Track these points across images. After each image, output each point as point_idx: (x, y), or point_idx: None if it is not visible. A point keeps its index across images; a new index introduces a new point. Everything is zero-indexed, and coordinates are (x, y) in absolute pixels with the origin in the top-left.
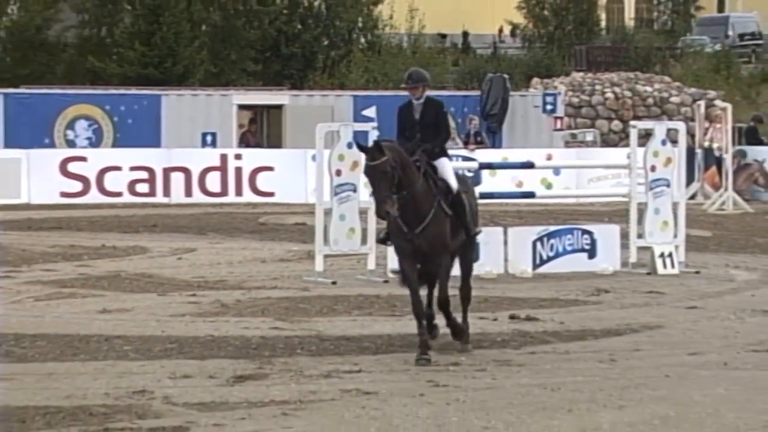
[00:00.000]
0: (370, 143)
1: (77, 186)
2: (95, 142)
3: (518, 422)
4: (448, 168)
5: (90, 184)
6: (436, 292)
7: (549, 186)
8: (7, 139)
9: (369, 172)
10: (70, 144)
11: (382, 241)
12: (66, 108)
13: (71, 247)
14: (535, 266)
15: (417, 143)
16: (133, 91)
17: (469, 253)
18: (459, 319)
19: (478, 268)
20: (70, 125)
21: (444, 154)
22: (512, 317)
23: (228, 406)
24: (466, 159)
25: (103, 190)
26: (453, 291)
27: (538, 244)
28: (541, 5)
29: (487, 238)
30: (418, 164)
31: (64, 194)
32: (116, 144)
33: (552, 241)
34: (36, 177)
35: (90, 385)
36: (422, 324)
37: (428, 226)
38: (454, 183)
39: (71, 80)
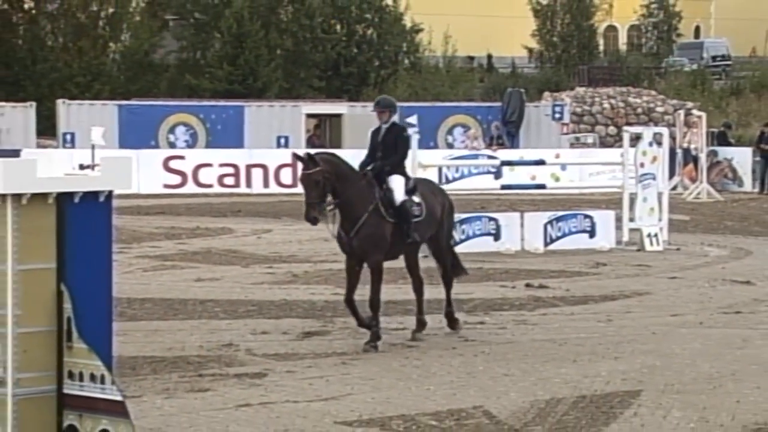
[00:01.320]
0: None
1: (177, 179)
2: (191, 144)
3: (532, 370)
4: (396, 183)
5: (187, 178)
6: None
7: (557, 179)
8: (121, 141)
9: (302, 179)
10: (171, 145)
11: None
12: (168, 116)
13: (172, 228)
14: (546, 244)
15: (367, 162)
16: (222, 102)
17: (414, 254)
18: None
19: (499, 246)
20: (172, 130)
21: (399, 172)
22: (527, 285)
23: (298, 357)
24: (490, 157)
25: (197, 183)
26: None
27: (549, 227)
28: (551, 33)
29: (507, 221)
30: (365, 175)
31: (166, 186)
32: (208, 145)
33: (560, 223)
34: (144, 172)
35: (187, 339)
36: (357, 314)
37: (360, 229)
38: (399, 196)
39: (172, 94)
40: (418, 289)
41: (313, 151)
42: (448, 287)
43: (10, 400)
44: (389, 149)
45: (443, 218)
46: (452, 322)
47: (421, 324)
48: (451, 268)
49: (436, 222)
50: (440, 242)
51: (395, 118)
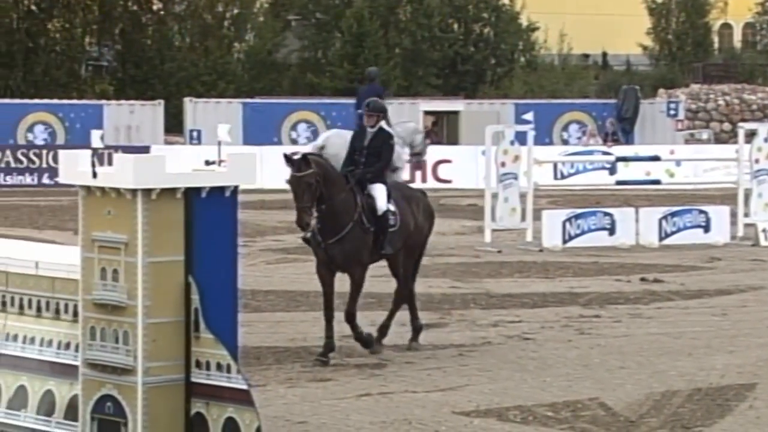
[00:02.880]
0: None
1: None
2: (313, 140)
3: (648, 363)
4: (379, 191)
5: None
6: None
7: (672, 175)
8: (245, 138)
9: (293, 182)
10: (294, 142)
11: (307, 240)
12: (290, 114)
13: (294, 223)
14: (661, 239)
15: (349, 169)
16: (342, 100)
17: (395, 263)
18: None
19: (614, 240)
20: (294, 127)
21: (380, 180)
22: (642, 279)
23: (416, 348)
24: (605, 153)
25: None
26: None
27: (663, 222)
28: (666, 31)
29: (622, 216)
30: (348, 181)
31: None
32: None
33: (675, 219)
34: (267, 167)
35: (309, 330)
36: (330, 327)
37: (343, 239)
38: (381, 204)
39: (294, 92)
40: (409, 296)
41: (309, 148)
42: (395, 306)
43: (140, 389)
44: (373, 156)
45: (415, 230)
46: (366, 343)
47: (367, 343)
48: (404, 292)
49: (407, 233)
50: (401, 257)
51: (382, 123)
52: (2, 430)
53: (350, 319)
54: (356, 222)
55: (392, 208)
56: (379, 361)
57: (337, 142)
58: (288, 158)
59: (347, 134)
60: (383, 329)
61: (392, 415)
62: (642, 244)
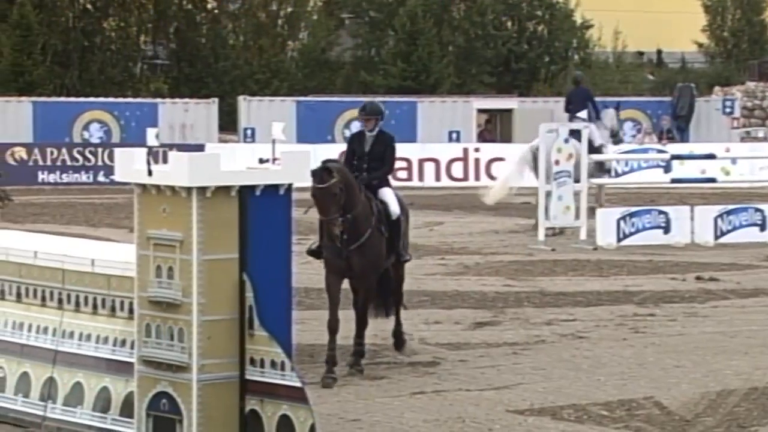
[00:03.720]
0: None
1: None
2: None
3: (703, 362)
4: (389, 195)
5: None
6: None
7: (727, 173)
8: (299, 136)
9: (317, 194)
10: (347, 139)
11: (313, 253)
12: (343, 112)
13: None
14: (717, 237)
15: (355, 174)
16: (396, 98)
17: (401, 270)
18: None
19: (669, 239)
20: (347, 125)
21: (386, 184)
22: (698, 278)
23: (470, 346)
24: (659, 152)
25: None
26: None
27: (719, 220)
28: (722, 28)
29: (677, 214)
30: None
31: None
32: None
33: (730, 217)
34: None
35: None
36: (333, 340)
37: (363, 245)
38: (395, 209)
39: (347, 90)
40: (397, 305)
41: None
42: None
43: (195, 386)
44: (376, 160)
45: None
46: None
47: (401, 340)
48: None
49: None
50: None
51: (380, 125)
52: (59, 427)
53: (365, 325)
54: (374, 228)
55: (402, 215)
56: (433, 360)
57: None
58: (312, 172)
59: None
60: (397, 336)
61: (446, 414)
62: (697, 242)
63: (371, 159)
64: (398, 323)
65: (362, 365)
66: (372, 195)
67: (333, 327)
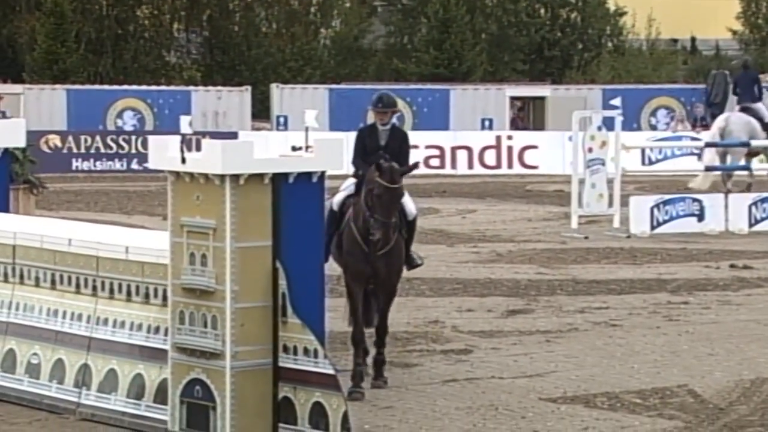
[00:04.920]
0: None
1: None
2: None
3: (737, 350)
4: (406, 195)
5: None
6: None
7: (762, 160)
8: (331, 123)
9: (385, 195)
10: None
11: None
12: None
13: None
14: (751, 225)
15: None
16: (428, 86)
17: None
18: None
19: (703, 226)
20: None
21: None
22: (732, 266)
23: (502, 334)
24: (693, 139)
25: None
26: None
27: (753, 208)
28: (756, 15)
29: (711, 202)
30: None
31: None
32: (414, 127)
33: (765, 205)
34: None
35: (394, 316)
36: (360, 353)
37: (392, 250)
38: (412, 208)
39: (380, 78)
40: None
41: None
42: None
43: (229, 373)
44: (394, 156)
45: None
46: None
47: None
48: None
49: None
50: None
51: (395, 119)
52: (93, 413)
53: (386, 332)
54: (399, 231)
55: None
56: (466, 347)
57: (738, 122)
58: (378, 166)
59: (749, 119)
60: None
61: (478, 401)
62: (731, 230)
63: (389, 155)
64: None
65: (386, 376)
66: None
67: (358, 339)
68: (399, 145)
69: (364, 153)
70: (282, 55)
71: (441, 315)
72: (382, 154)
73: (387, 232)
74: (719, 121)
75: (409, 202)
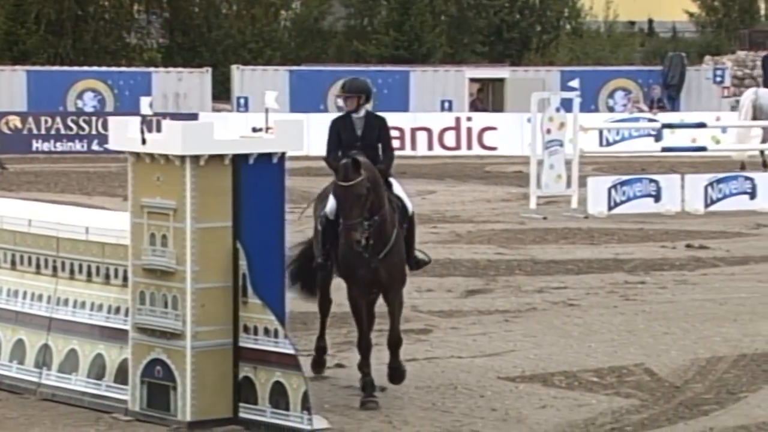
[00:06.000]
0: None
1: None
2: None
3: (693, 329)
4: (400, 189)
5: None
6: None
7: (717, 142)
8: (292, 105)
9: (340, 193)
10: (340, 109)
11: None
12: (336, 81)
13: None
14: (707, 205)
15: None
16: (388, 68)
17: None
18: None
19: (659, 207)
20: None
21: (391, 175)
22: (688, 246)
23: (462, 314)
24: (650, 120)
25: None
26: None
27: (709, 188)
28: None
29: (668, 182)
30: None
31: None
32: (374, 109)
33: (720, 185)
34: (314, 134)
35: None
36: (368, 362)
37: (391, 251)
38: (409, 204)
39: (340, 60)
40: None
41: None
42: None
43: (189, 353)
44: (370, 147)
45: None
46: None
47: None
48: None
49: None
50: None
51: (368, 107)
52: (53, 393)
53: (400, 342)
54: (399, 228)
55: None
56: (425, 327)
57: (766, 95)
58: (331, 165)
59: None
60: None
61: (438, 380)
62: (687, 210)
63: (365, 146)
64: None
65: (377, 399)
66: (389, 190)
67: (365, 348)
68: (377, 133)
69: (338, 146)
70: (242, 36)
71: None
72: (355, 153)
73: (351, 235)
74: (749, 94)
75: (406, 197)
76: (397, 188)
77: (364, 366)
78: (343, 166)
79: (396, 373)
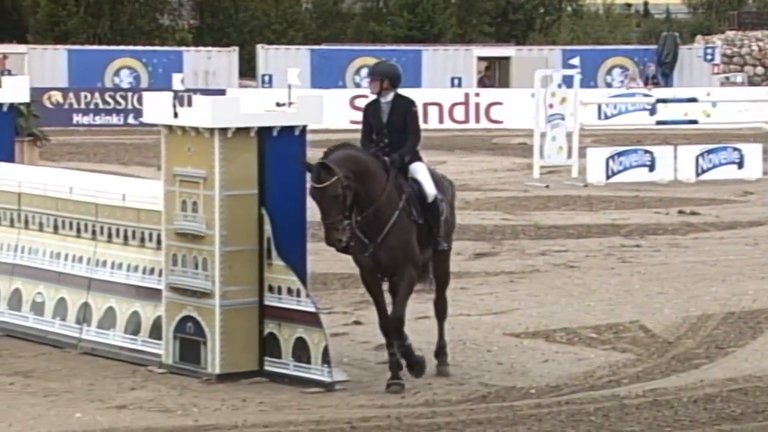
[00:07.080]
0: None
1: (361, 116)
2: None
3: (684, 289)
4: (422, 172)
5: None
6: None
7: (708, 115)
8: (312, 82)
9: (314, 194)
10: (357, 85)
11: (344, 249)
12: (354, 59)
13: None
14: (698, 174)
15: (377, 154)
16: (402, 47)
17: (442, 264)
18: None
19: (653, 176)
20: (357, 72)
21: (418, 158)
22: (680, 212)
23: (470, 275)
24: (645, 95)
25: None
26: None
27: (700, 158)
28: None
29: (662, 153)
30: (386, 168)
31: (352, 122)
32: None
33: (711, 156)
34: (332, 109)
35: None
36: (392, 344)
37: (389, 235)
38: (430, 189)
39: (357, 40)
40: (443, 309)
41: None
42: (442, 317)
43: (218, 311)
44: (397, 132)
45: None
46: (413, 366)
47: (415, 363)
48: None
49: (452, 226)
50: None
51: (395, 91)
52: (93, 347)
53: (401, 324)
54: (402, 210)
55: (439, 195)
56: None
57: None
58: (307, 165)
59: None
60: (440, 350)
61: (448, 336)
62: (680, 179)
63: (391, 131)
64: (441, 337)
65: (403, 380)
66: (403, 177)
67: (386, 329)
68: (402, 117)
69: (370, 132)
70: (267, 18)
71: None
72: (382, 140)
73: (329, 234)
74: None
75: (426, 182)
76: (418, 171)
77: (388, 346)
78: (315, 168)
79: (409, 360)
